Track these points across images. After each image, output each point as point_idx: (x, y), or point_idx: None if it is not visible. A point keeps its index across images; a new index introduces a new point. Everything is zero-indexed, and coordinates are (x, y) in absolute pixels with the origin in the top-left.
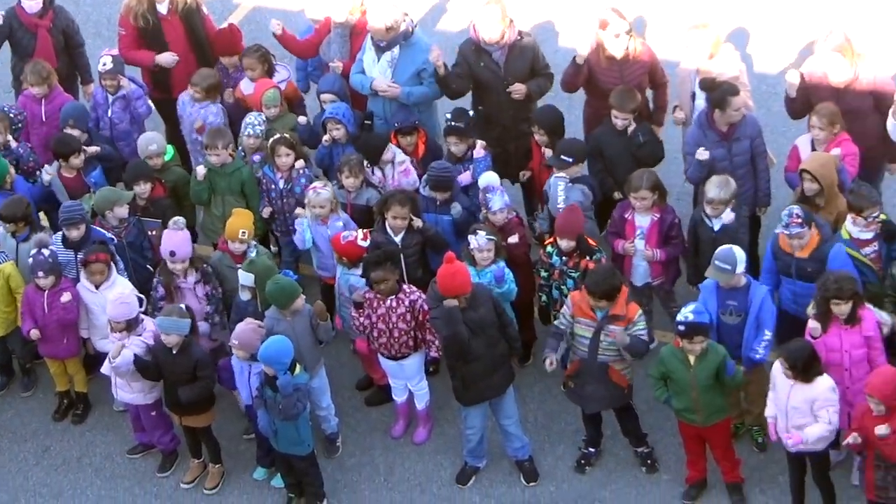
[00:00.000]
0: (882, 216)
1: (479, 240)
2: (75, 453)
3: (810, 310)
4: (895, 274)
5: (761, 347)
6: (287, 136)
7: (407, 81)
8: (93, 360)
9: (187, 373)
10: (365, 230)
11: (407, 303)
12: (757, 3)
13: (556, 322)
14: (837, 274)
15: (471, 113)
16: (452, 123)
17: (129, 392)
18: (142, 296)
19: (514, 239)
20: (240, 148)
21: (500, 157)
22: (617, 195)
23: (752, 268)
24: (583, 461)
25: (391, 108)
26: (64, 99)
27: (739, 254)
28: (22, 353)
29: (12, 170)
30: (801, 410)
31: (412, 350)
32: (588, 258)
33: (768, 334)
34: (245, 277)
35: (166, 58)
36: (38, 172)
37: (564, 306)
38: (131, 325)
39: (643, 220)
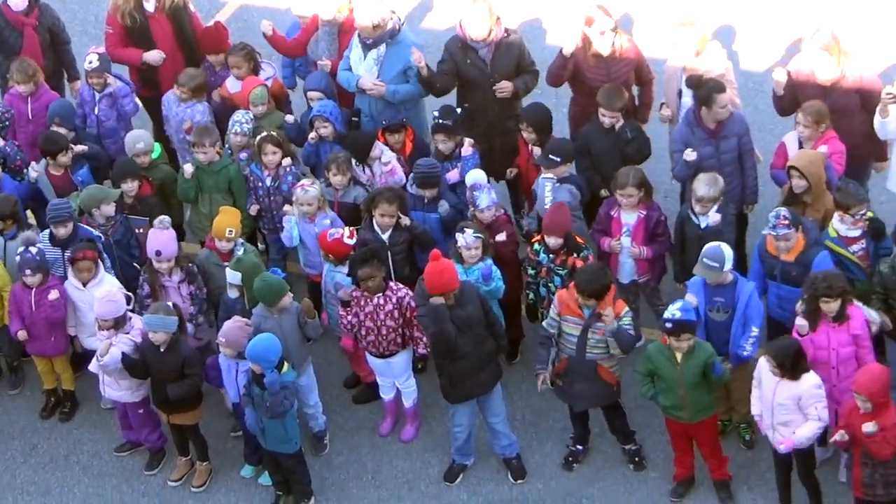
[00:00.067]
0: (869, 214)
1: (466, 238)
2: (63, 451)
3: (799, 307)
4: (883, 271)
5: (749, 344)
6: (274, 133)
7: (393, 79)
8: (80, 358)
9: (175, 371)
10: (351, 228)
11: (394, 300)
12: (743, 1)
13: (543, 323)
14: (826, 272)
15: (458, 110)
16: (440, 121)
17: (117, 390)
18: (129, 294)
19: (501, 237)
20: (227, 146)
21: (486, 154)
22: (604, 193)
23: (740, 265)
24: (570, 459)
25: (378, 106)
26: (50, 97)
27: (727, 251)
28: (9, 350)
29: None
30: (787, 407)
31: (400, 347)
32: (575, 255)
33: (755, 330)
34: (232, 276)
35: (154, 56)
36: (24, 170)
37: (552, 306)
38: (119, 323)
39: (629, 218)
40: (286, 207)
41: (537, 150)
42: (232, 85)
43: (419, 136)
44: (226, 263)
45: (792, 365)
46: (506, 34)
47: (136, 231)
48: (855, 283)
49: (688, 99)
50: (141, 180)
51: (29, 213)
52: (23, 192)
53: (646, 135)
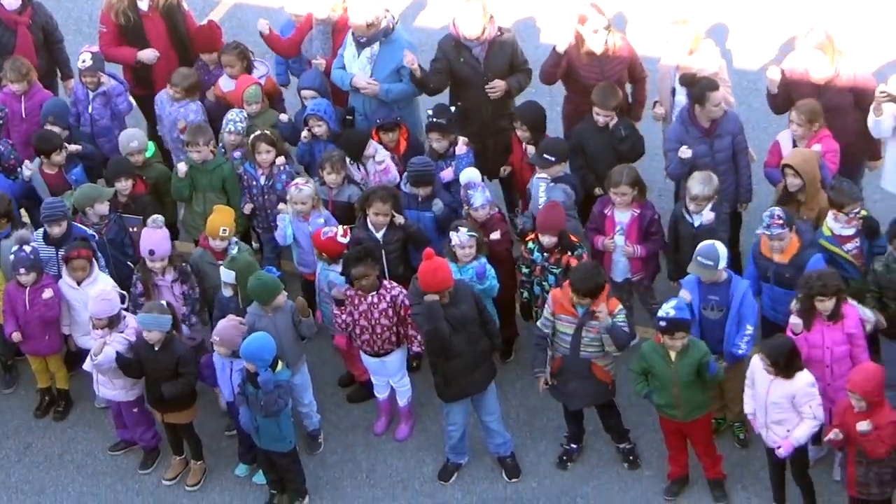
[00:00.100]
0: (863, 212)
1: (460, 236)
2: (57, 450)
3: (794, 305)
4: (877, 269)
5: (743, 342)
6: (268, 132)
7: (386, 78)
8: (74, 357)
9: (169, 369)
10: (345, 227)
11: (388, 298)
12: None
13: (538, 323)
14: (820, 271)
15: (452, 109)
16: (434, 120)
17: (111, 389)
18: (124, 292)
19: (496, 235)
20: (220, 145)
21: (480, 153)
22: (598, 191)
23: (734, 264)
24: (565, 457)
25: (372, 105)
26: (44, 95)
27: (721, 249)
28: (3, 349)
29: None
30: (781, 406)
31: (394, 346)
32: (570, 254)
33: (750, 329)
34: (226, 274)
35: (148, 54)
36: (18, 169)
37: (546, 305)
38: (113, 322)
39: (623, 216)
40: (280, 206)
41: (531, 149)
42: (225, 84)
43: (413, 134)
44: (220, 262)
45: (786, 364)
46: (499, 33)
47: (130, 230)
48: (849, 282)
49: (681, 97)
50: (135, 179)
51: (23, 211)
52: (17, 191)
53: (639, 133)
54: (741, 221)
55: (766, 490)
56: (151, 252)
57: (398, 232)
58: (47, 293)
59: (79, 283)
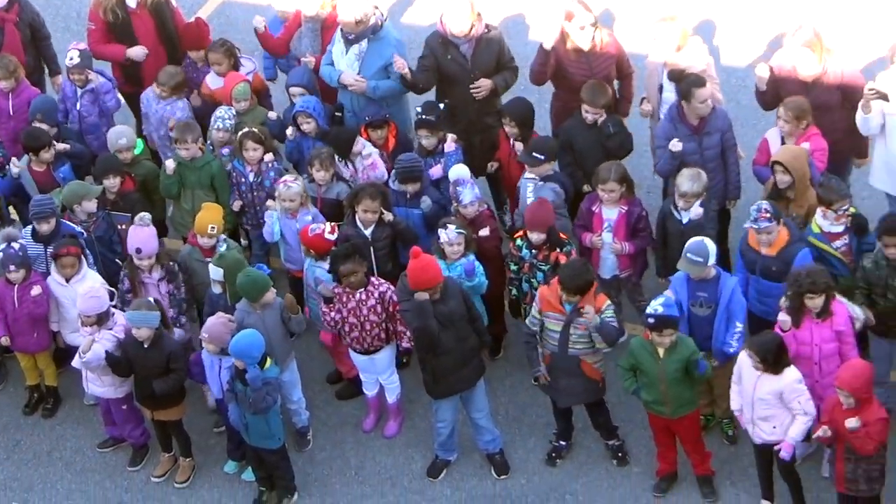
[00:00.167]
0: (852, 209)
1: (448, 234)
2: (46, 447)
3: (783, 302)
4: (866, 266)
5: (734, 340)
6: (255, 130)
7: (374, 75)
8: (63, 354)
9: (160, 366)
10: (333, 224)
11: (376, 294)
12: None
13: (526, 321)
14: (809, 268)
15: (441, 106)
16: (423, 117)
17: (100, 386)
18: (112, 289)
19: (485, 232)
20: (208, 142)
21: (466, 150)
22: (586, 188)
23: (722, 260)
24: (554, 454)
25: (361, 102)
26: (31, 93)
27: (711, 246)
28: None
29: None
30: (768, 402)
31: (384, 343)
32: (558, 251)
33: (740, 326)
34: (215, 272)
35: (136, 52)
36: (6, 166)
37: (534, 303)
38: (102, 319)
39: (610, 213)
40: (269, 202)
41: (519, 145)
42: (213, 81)
43: (402, 131)
44: (208, 259)
45: (774, 359)
46: (486, 30)
47: (119, 227)
48: (838, 279)
49: (669, 94)
50: (123, 176)
51: (11, 208)
52: (5, 188)
53: (628, 130)
54: (730, 218)
55: (755, 486)
56: (138, 250)
57: (387, 229)
58: (36, 290)
59: (67, 280)
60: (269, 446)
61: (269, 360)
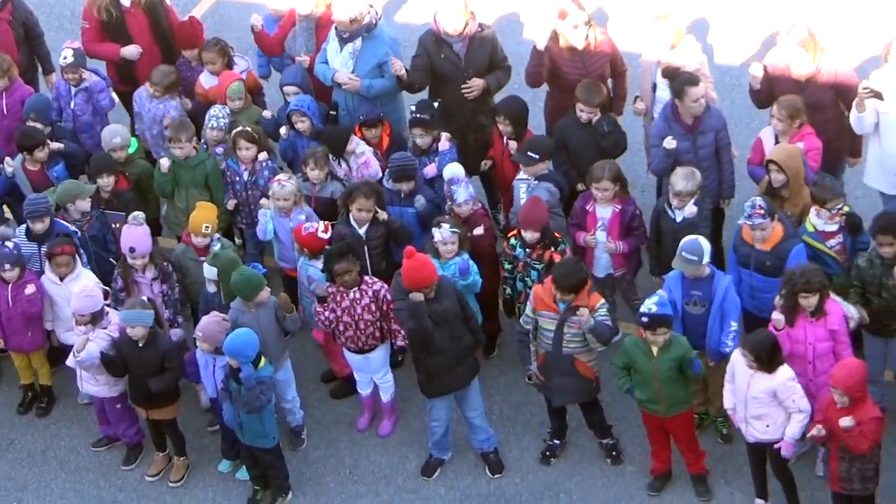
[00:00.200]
0: (846, 208)
1: (442, 233)
2: (40, 446)
3: (777, 301)
4: (861, 265)
5: (730, 339)
6: (248, 129)
7: (368, 73)
8: (57, 353)
9: (155, 365)
10: (326, 222)
11: (370, 293)
12: None
13: (520, 320)
14: (803, 267)
15: (435, 105)
16: (417, 115)
17: (95, 385)
18: (107, 288)
19: (479, 230)
20: (202, 141)
21: (459, 149)
22: (580, 187)
23: (716, 259)
24: (548, 453)
25: (355, 101)
26: (25, 91)
27: (705, 244)
28: None
29: None
30: (761, 401)
31: (379, 341)
32: (553, 249)
33: (734, 325)
34: (209, 271)
35: (131, 51)
36: (0, 166)
37: (528, 302)
38: (96, 318)
39: (604, 212)
40: (263, 201)
41: (513, 144)
42: (207, 80)
43: (396, 130)
44: (202, 259)
45: (768, 358)
46: (479, 29)
47: (113, 226)
48: (832, 278)
49: (662, 93)
50: (117, 175)
51: (5, 207)
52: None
53: (622, 129)
54: (724, 217)
55: (750, 485)
56: (132, 249)
57: (381, 228)
58: (29, 289)
59: (62, 279)
60: (263, 445)
61: (263, 359)
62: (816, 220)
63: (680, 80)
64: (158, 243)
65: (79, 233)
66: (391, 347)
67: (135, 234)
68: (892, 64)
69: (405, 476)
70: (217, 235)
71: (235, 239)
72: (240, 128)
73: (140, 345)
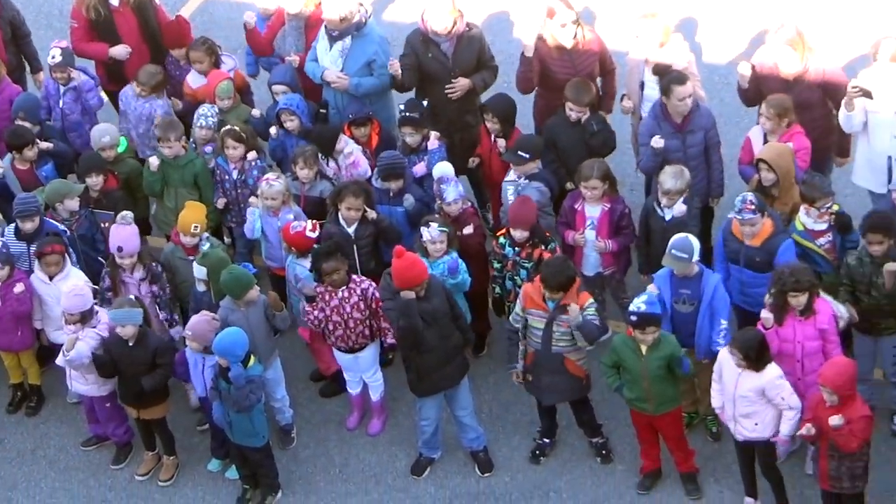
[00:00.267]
0: (835, 207)
1: (431, 232)
2: (29, 445)
3: (766, 300)
4: (850, 264)
5: (721, 337)
6: (236, 128)
7: (357, 72)
8: (47, 352)
9: (146, 364)
10: (314, 221)
11: (359, 292)
12: None
13: (510, 318)
14: (792, 266)
15: (424, 103)
16: (407, 114)
17: (84, 384)
18: (96, 287)
19: (468, 229)
20: (191, 140)
21: (447, 148)
22: (569, 186)
23: (705, 258)
24: (538, 452)
25: (345, 99)
26: (13, 91)
27: (695, 242)
28: None
29: None
30: (749, 399)
31: (369, 340)
32: (542, 248)
33: (724, 323)
34: (198, 270)
35: (119, 50)
36: None
37: (517, 300)
38: (85, 318)
39: (593, 211)
40: (251, 199)
41: (501, 142)
42: (194, 80)
43: (385, 129)
44: (191, 258)
45: (757, 356)
46: (467, 28)
47: (102, 225)
48: (822, 276)
49: (650, 91)
50: (106, 174)
51: None
52: None
53: (611, 128)
54: (713, 216)
55: (739, 484)
56: (120, 248)
57: (370, 227)
58: (18, 288)
59: (51, 279)
60: (252, 444)
61: (252, 358)
62: (806, 218)
63: (668, 78)
64: (147, 242)
65: (68, 232)
66: (381, 346)
67: (123, 233)
68: (881, 63)
69: (395, 475)
70: (206, 234)
71: (225, 238)
72: (227, 127)
73: (130, 344)
